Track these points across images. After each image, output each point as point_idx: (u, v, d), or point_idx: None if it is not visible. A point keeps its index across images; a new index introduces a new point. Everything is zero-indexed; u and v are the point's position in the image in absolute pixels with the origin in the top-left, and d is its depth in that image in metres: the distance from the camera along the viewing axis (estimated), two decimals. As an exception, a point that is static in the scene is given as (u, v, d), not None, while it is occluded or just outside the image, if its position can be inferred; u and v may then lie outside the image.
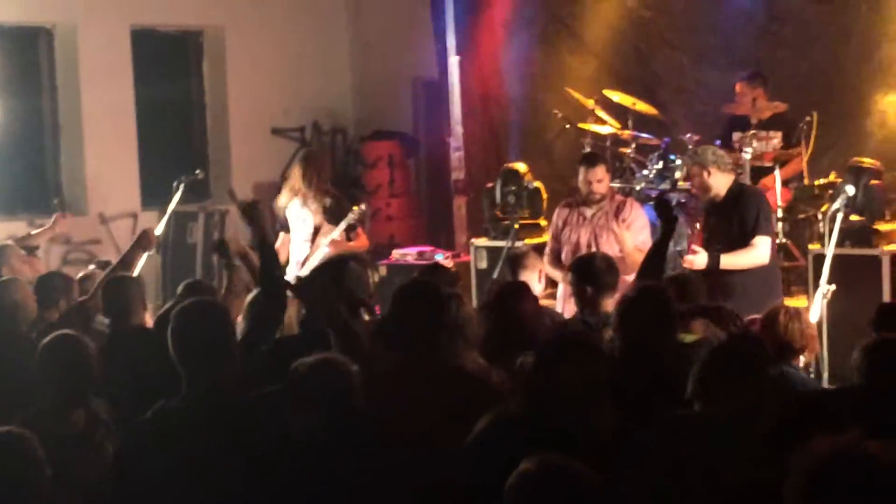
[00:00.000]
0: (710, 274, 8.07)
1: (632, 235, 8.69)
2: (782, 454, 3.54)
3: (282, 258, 9.78)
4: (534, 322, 6.41)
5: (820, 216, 9.83)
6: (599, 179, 8.89)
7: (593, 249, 8.52)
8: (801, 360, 6.40)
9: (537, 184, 11.04)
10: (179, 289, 7.61)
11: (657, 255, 6.98)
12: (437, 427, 4.86)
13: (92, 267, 9.68)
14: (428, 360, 5.33)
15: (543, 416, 4.45)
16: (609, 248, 8.53)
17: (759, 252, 8.21)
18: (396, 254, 11.78)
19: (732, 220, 8.33)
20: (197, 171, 11.27)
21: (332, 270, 6.88)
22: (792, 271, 10.35)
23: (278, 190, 12.54)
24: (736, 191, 8.45)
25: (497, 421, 4.57)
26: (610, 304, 6.68)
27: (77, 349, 5.70)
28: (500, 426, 4.54)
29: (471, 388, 5.21)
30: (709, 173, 8.39)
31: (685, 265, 8.29)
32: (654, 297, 5.76)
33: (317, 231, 9.69)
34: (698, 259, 8.16)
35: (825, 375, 8.47)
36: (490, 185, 11.40)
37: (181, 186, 10.64)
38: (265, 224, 6.76)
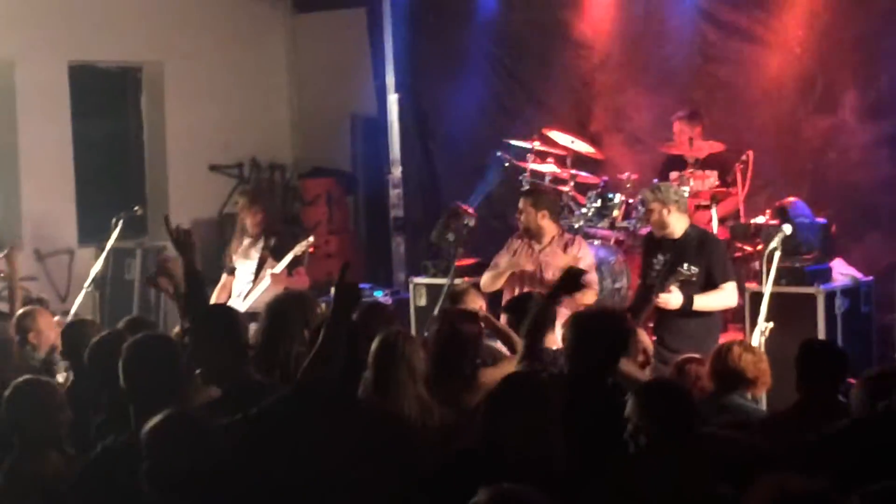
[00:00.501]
0: (668, 315, 8.25)
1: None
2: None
3: (221, 299, 9.86)
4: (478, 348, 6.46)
5: (756, 254, 9.96)
6: (522, 210, 9.23)
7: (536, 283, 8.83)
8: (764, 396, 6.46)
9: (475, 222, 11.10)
10: (121, 324, 7.56)
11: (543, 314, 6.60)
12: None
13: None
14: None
15: (498, 453, 4.50)
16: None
17: (729, 295, 8.48)
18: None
19: (697, 263, 8.47)
20: (135, 208, 11.22)
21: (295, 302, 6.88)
22: (729, 309, 10.46)
23: (217, 226, 12.60)
24: (696, 235, 8.62)
25: (454, 457, 4.60)
26: (552, 339, 6.72)
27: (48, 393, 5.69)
28: (457, 462, 4.57)
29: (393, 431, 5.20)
30: (669, 211, 8.55)
31: (659, 304, 8.39)
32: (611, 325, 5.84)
33: (261, 266, 9.83)
34: (673, 298, 8.32)
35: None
36: (429, 222, 11.45)
37: (120, 222, 10.59)
38: (195, 254, 6.78)
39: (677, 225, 8.62)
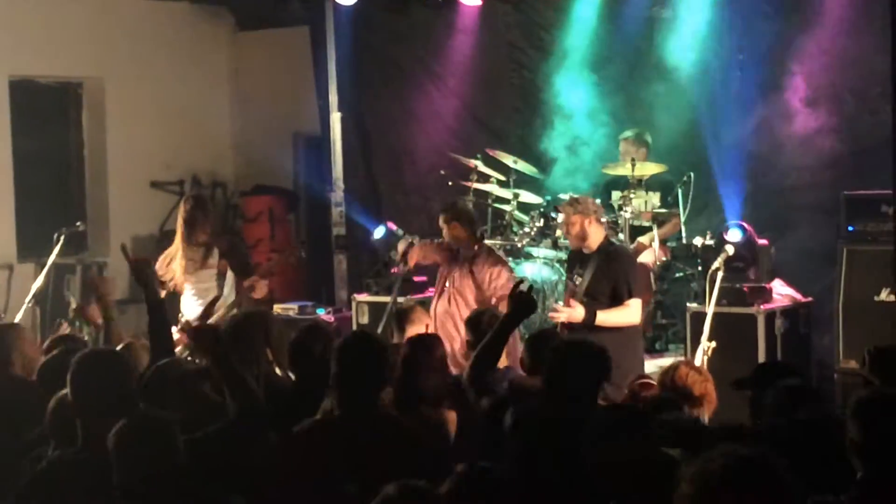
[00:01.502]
0: (574, 330, 8.17)
1: (486, 284, 8.93)
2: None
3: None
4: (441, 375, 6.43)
5: (697, 275, 10.06)
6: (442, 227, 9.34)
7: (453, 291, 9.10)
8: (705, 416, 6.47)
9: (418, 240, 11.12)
10: (46, 344, 7.48)
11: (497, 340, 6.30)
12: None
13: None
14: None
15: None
16: (469, 292, 9.01)
17: (633, 312, 8.38)
18: (277, 308, 11.74)
19: (603, 278, 8.45)
20: (77, 224, 11.14)
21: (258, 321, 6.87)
22: (669, 328, 10.56)
23: (157, 243, 12.49)
24: (607, 249, 8.58)
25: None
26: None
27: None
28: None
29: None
30: (590, 222, 8.52)
31: (558, 318, 8.37)
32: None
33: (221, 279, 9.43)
34: (575, 312, 8.27)
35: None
36: (371, 241, 11.48)
37: (62, 238, 10.50)
38: (156, 283, 6.77)
39: (595, 237, 8.56)
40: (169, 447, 4.69)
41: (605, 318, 8.31)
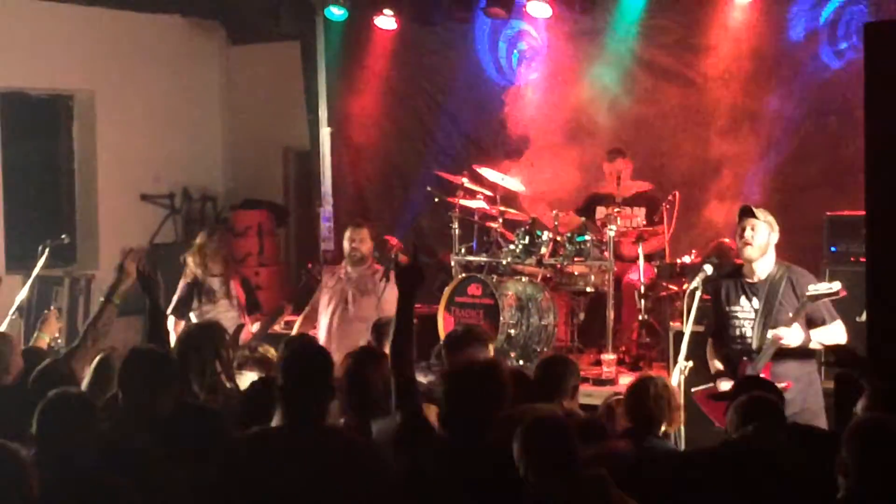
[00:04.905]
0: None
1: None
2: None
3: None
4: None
5: (681, 294, 10.05)
6: (362, 239, 9.88)
7: (350, 307, 9.68)
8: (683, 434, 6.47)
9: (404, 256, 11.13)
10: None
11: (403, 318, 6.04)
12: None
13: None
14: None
15: None
16: (368, 308, 9.52)
17: (842, 331, 7.90)
18: (263, 323, 11.75)
19: (791, 299, 7.85)
20: (63, 236, 11.12)
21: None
22: (654, 347, 10.55)
23: (147, 256, 12.41)
24: (787, 267, 8.01)
25: None
26: None
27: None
28: None
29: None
30: (774, 235, 8.06)
31: (785, 342, 7.72)
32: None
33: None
34: (792, 335, 7.73)
35: (682, 448, 8.59)
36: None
37: (46, 250, 10.51)
38: (160, 293, 6.99)
39: (773, 253, 8.02)
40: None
41: (820, 338, 7.84)
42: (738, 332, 8.00)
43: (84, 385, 6.61)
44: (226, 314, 9.76)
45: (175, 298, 10.03)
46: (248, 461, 4.93)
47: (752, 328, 7.90)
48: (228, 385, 6.70)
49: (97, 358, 6.85)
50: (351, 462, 4.93)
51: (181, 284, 10.09)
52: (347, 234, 10.10)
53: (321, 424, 5.08)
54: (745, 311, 7.99)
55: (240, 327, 9.38)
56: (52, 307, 9.89)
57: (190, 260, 10.03)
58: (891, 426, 4.74)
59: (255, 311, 10.02)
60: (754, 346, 7.86)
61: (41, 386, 6.09)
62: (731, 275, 8.22)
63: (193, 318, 9.82)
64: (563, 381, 6.73)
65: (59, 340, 8.82)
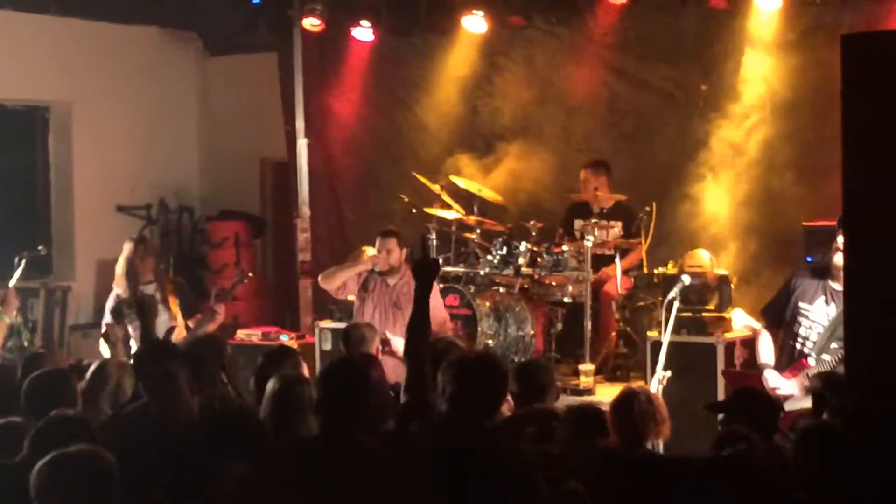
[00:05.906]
0: None
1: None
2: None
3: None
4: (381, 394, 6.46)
5: (659, 304, 10.08)
6: (389, 250, 9.61)
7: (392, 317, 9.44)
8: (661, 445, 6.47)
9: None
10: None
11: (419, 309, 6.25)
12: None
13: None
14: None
15: None
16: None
17: None
18: (241, 334, 11.74)
19: None
20: (39, 247, 11.12)
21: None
22: (631, 357, 10.59)
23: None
24: None
25: None
26: None
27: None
28: None
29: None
30: None
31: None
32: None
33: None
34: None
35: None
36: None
37: (23, 262, 10.47)
38: (155, 319, 7.11)
39: None
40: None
41: None
42: (802, 332, 8.00)
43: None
44: (158, 318, 9.61)
45: (110, 307, 9.82)
46: (286, 468, 5.05)
47: (818, 333, 7.91)
48: (234, 395, 6.77)
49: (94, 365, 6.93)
50: (380, 477, 5.04)
51: (112, 294, 9.87)
52: (376, 243, 9.89)
53: (357, 438, 5.17)
54: (818, 315, 8.00)
55: (171, 329, 9.26)
56: (9, 286, 9.87)
57: (120, 270, 9.82)
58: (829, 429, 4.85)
59: (190, 314, 9.75)
60: (814, 351, 7.88)
61: None
62: (820, 274, 8.22)
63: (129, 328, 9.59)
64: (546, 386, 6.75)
65: (18, 318, 8.87)
